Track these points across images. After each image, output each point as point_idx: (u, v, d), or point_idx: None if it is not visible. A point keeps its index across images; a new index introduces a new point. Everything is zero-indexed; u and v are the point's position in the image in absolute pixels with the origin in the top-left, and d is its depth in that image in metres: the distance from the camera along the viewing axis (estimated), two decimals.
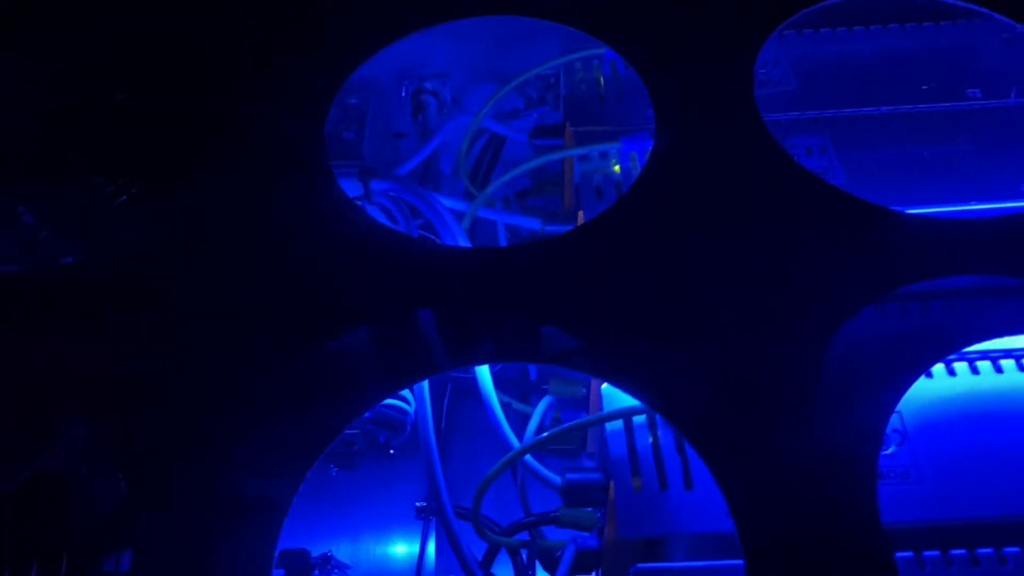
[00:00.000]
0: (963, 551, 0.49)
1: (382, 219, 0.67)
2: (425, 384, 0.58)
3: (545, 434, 0.59)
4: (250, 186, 0.63)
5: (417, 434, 0.67)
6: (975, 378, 0.56)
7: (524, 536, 0.63)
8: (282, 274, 0.57)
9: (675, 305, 0.54)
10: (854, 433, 0.50)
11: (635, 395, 0.52)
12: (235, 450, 0.51)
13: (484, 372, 0.59)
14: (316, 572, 0.66)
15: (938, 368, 0.56)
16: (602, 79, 0.73)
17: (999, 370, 0.56)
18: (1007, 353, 0.57)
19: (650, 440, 0.54)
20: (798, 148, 0.67)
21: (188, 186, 0.64)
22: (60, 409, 0.53)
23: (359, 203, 0.66)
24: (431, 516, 0.67)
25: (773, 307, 0.54)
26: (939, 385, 0.56)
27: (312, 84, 0.68)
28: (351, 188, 0.66)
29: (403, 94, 0.87)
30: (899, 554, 0.49)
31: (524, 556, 0.63)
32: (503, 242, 0.75)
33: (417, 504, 0.68)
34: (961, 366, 0.56)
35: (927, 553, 0.49)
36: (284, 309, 0.56)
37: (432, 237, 0.66)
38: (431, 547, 0.67)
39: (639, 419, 0.55)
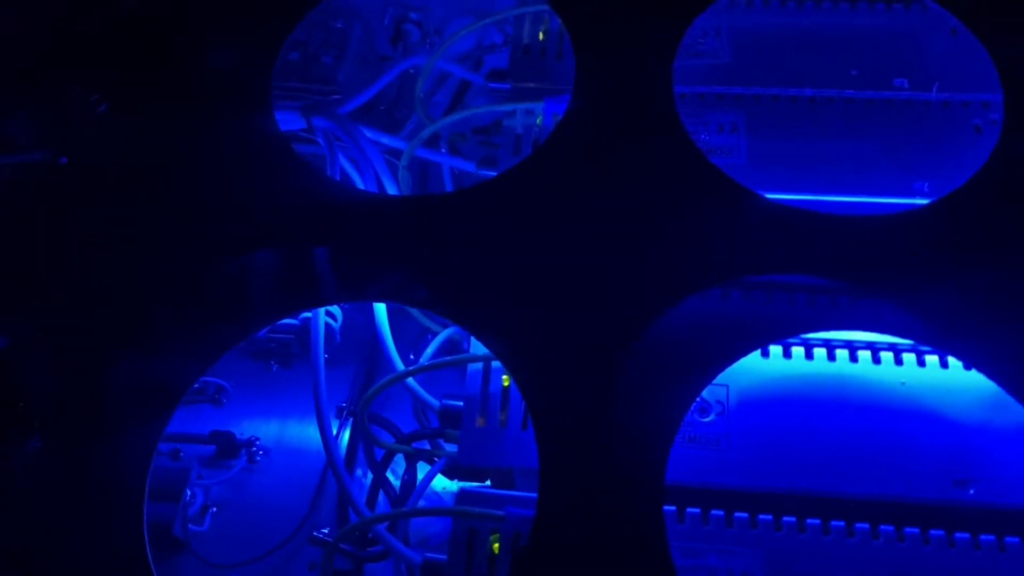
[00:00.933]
0: (745, 515, 0.56)
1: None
2: (321, 311, 0.66)
3: (424, 364, 0.67)
4: (199, 111, 0.70)
5: (345, 343, 0.77)
6: (808, 363, 0.61)
7: (424, 444, 0.72)
8: (208, 195, 0.66)
9: (539, 265, 0.60)
10: (668, 398, 0.56)
11: (485, 343, 0.59)
12: (145, 339, 0.61)
13: (380, 307, 0.67)
14: (243, 451, 0.77)
15: (776, 350, 0.61)
16: (543, 36, 0.76)
17: (832, 358, 0.61)
18: (847, 344, 0.61)
19: (504, 384, 0.62)
20: (711, 124, 0.70)
21: (153, 101, 0.72)
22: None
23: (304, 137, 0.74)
24: (348, 416, 0.77)
25: (624, 274, 0.59)
26: (772, 366, 0.61)
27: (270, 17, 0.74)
28: (296, 122, 0.73)
29: (386, 21, 0.92)
30: (689, 510, 0.56)
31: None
32: (448, 180, 0.81)
33: (338, 405, 0.78)
34: (798, 351, 0.61)
35: (714, 512, 0.56)
36: (203, 226, 0.64)
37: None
38: (344, 441, 0.76)
39: (498, 364, 0.62)
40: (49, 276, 0.65)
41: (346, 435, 0.77)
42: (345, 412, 0.77)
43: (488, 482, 0.67)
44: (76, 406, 0.58)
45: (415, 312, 0.77)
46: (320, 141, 0.73)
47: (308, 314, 0.71)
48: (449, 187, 0.82)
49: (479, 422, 0.60)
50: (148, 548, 0.54)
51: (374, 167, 0.70)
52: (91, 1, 0.78)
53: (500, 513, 0.57)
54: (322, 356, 0.65)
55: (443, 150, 0.80)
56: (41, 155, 0.73)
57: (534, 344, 0.58)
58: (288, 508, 0.74)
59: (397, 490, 0.70)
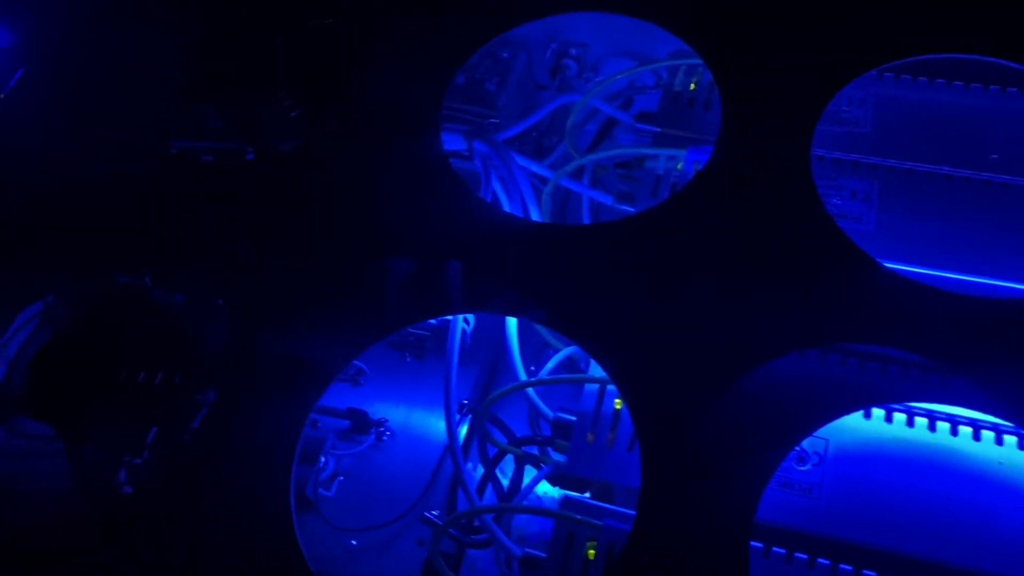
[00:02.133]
0: (827, 562, 0.60)
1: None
2: (459, 316, 0.73)
3: (543, 378, 0.73)
4: (376, 125, 0.79)
5: (474, 346, 0.84)
6: (908, 430, 0.64)
7: (533, 449, 0.79)
8: (375, 203, 0.74)
9: (661, 301, 0.66)
10: (767, 443, 0.60)
11: (603, 367, 0.65)
12: (308, 321, 0.70)
13: (511, 320, 0.74)
14: (373, 430, 0.85)
15: (878, 413, 0.65)
16: (694, 86, 0.81)
17: (932, 428, 0.64)
18: (949, 417, 0.64)
19: (616, 407, 0.67)
20: (844, 190, 0.74)
21: (337, 111, 0.82)
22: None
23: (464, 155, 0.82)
24: (467, 413, 0.84)
25: (736, 321, 0.64)
26: (873, 427, 0.64)
27: (448, 46, 0.83)
28: (458, 143, 0.81)
29: (547, 54, 0.99)
30: (775, 549, 0.61)
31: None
32: (586, 210, 0.87)
33: (460, 401, 0.85)
34: (900, 417, 0.64)
35: (798, 555, 0.60)
36: (366, 230, 0.73)
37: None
38: (462, 436, 0.83)
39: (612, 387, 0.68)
40: (229, 252, 0.75)
41: (463, 430, 0.84)
42: (465, 409, 0.84)
43: (588, 494, 0.73)
44: (246, 371, 0.67)
45: (539, 328, 0.84)
46: (477, 163, 0.81)
47: (448, 316, 0.79)
48: (587, 217, 0.88)
49: (589, 438, 0.66)
50: (292, 501, 0.62)
51: (521, 193, 0.77)
52: (294, 14, 0.88)
53: (599, 523, 0.62)
54: (456, 357, 0.72)
55: (585, 182, 0.86)
56: (234, 145, 0.84)
57: (647, 374, 0.63)
58: (405, 487, 0.82)
59: (504, 488, 0.77)
